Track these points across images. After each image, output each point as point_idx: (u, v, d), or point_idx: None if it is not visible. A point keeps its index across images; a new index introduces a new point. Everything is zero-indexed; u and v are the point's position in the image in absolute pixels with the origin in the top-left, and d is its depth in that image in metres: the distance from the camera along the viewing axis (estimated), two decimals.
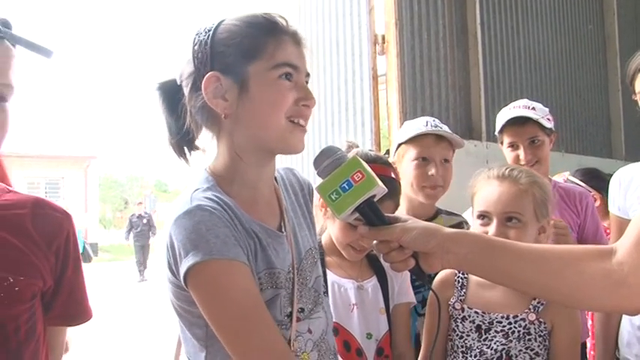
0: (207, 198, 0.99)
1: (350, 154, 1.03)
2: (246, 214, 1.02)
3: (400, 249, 0.98)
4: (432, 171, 1.77)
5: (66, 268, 1.12)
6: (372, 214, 0.98)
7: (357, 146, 1.68)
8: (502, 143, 2.10)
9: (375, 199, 0.99)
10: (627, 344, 1.75)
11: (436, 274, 1.52)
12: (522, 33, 4.63)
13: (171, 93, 1.09)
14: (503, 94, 4.29)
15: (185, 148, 1.10)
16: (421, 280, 1.03)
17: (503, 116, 2.09)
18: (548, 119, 2.05)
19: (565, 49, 5.26)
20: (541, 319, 1.39)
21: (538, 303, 1.40)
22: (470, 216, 1.90)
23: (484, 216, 1.47)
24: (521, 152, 2.01)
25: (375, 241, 1.00)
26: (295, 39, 1.05)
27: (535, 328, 1.39)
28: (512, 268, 0.97)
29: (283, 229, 1.09)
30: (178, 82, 1.08)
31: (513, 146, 2.04)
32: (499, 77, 4.33)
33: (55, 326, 1.15)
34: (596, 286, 0.92)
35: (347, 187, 0.96)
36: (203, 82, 1.02)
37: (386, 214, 1.01)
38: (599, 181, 2.88)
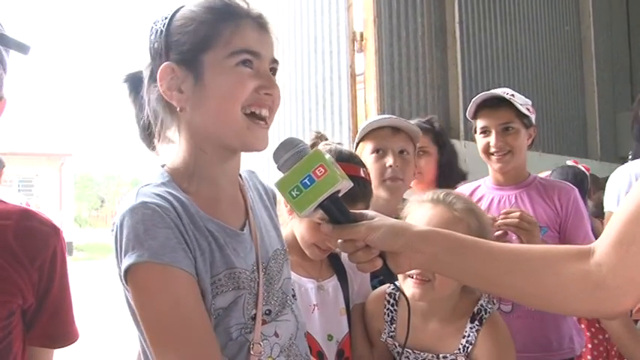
0: (155, 194, 0.93)
1: (321, 149, 0.97)
2: (203, 212, 0.96)
3: (367, 248, 0.92)
4: (390, 162, 1.72)
5: (51, 286, 1.04)
6: (337, 211, 0.93)
7: (326, 138, 1.62)
8: (475, 131, 1.93)
9: (340, 195, 0.93)
10: None
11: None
12: (500, 33, 4.65)
13: (138, 85, 1.04)
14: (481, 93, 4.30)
15: (155, 141, 1.04)
16: (389, 281, 0.99)
17: (476, 98, 1.92)
18: (528, 109, 1.88)
19: (542, 50, 5.30)
20: None
21: (467, 343, 1.32)
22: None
23: None
24: (492, 139, 1.84)
25: (339, 240, 0.94)
26: (259, 22, 0.99)
27: None
28: (484, 268, 0.92)
29: (246, 228, 1.03)
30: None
31: (485, 132, 1.88)
32: (477, 76, 4.34)
33: (37, 347, 1.08)
34: (573, 288, 0.88)
35: (308, 183, 0.90)
36: (158, 74, 0.97)
37: (352, 211, 0.95)
38: (575, 179, 2.85)
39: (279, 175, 0.96)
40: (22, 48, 0.93)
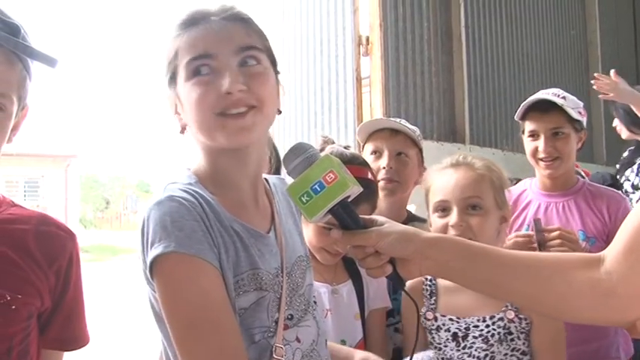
0: (182, 190, 0.94)
1: (326, 151, 0.97)
2: (228, 213, 0.97)
3: (376, 254, 0.93)
4: (383, 163, 1.71)
5: (66, 290, 1.07)
6: (347, 217, 0.93)
7: (333, 142, 1.63)
8: (523, 132, 1.86)
9: (350, 200, 0.93)
10: None
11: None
12: (506, 37, 4.64)
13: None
14: (487, 98, 4.29)
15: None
16: (399, 287, 0.99)
17: (526, 101, 1.84)
18: (580, 112, 1.80)
19: (548, 55, 5.29)
20: (521, 316, 1.31)
21: None
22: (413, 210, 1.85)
23: (443, 207, 1.38)
24: (540, 143, 1.77)
25: (349, 246, 0.95)
26: (212, 21, 0.96)
27: (516, 327, 1.31)
28: (495, 276, 0.92)
29: (272, 232, 1.04)
30: None
31: (534, 136, 1.81)
32: (483, 80, 4.33)
33: (49, 349, 1.10)
34: (583, 296, 0.88)
35: (319, 189, 0.90)
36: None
37: (362, 217, 0.95)
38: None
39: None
40: (50, 61, 0.95)
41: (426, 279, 1.41)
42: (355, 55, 3.47)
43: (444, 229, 1.37)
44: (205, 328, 0.87)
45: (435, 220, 1.40)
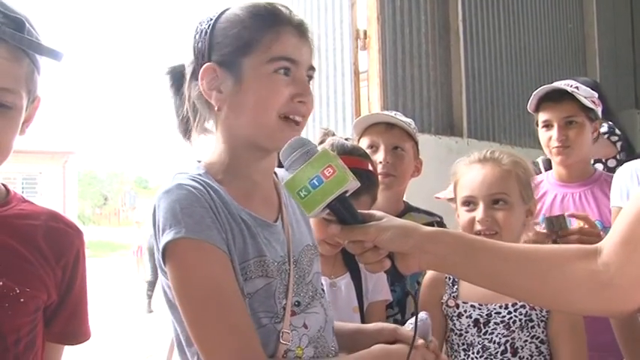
0: (190, 179, 0.98)
1: (326, 144, 0.98)
2: (236, 202, 1.00)
3: (375, 249, 0.93)
4: (380, 157, 1.72)
5: (72, 285, 1.10)
6: (345, 212, 0.93)
7: (333, 134, 1.63)
8: (537, 124, 1.86)
9: (348, 194, 0.94)
10: None
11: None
12: (503, 30, 4.64)
13: (179, 78, 1.09)
14: (485, 91, 4.30)
15: (191, 132, 1.10)
16: (398, 281, 1.00)
17: (538, 91, 1.84)
18: (593, 102, 1.79)
19: (545, 48, 5.29)
20: None
21: None
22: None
23: (469, 202, 1.42)
24: (554, 132, 1.78)
25: (347, 241, 0.95)
26: (299, 30, 1.03)
27: (537, 314, 1.33)
28: (494, 269, 0.93)
29: (279, 222, 1.06)
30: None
31: (548, 126, 1.81)
32: (480, 74, 4.33)
33: (53, 343, 1.13)
34: (581, 288, 0.88)
35: (317, 184, 0.90)
36: (200, 73, 1.01)
37: (360, 212, 0.96)
38: None
39: None
40: (55, 55, 0.96)
41: None
42: (353, 49, 3.47)
43: (471, 222, 1.42)
44: (218, 308, 0.90)
45: (463, 214, 1.44)
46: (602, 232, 1.66)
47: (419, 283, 1.65)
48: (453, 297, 1.41)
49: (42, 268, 1.04)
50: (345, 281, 1.49)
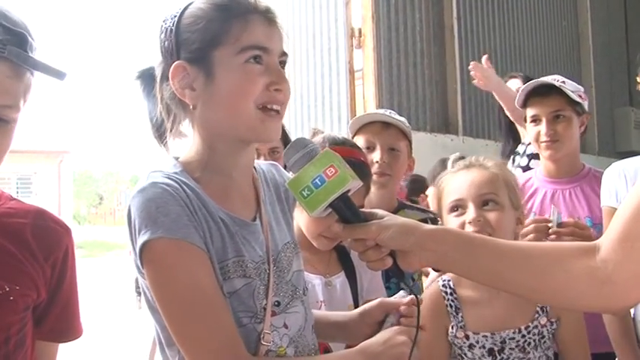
0: (165, 177, 0.95)
1: (316, 139, 0.99)
2: (213, 201, 0.98)
3: (377, 247, 0.94)
4: (376, 157, 1.72)
5: (62, 283, 1.09)
6: (347, 211, 0.94)
7: (322, 132, 1.64)
8: (526, 120, 1.87)
9: (350, 194, 0.94)
10: None
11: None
12: (498, 28, 4.66)
13: (150, 82, 1.06)
14: (480, 89, 4.30)
15: (166, 137, 1.07)
16: (399, 279, 1.00)
17: (525, 86, 1.85)
18: (580, 96, 1.81)
19: (540, 46, 5.32)
20: (552, 319, 1.32)
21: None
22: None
23: (457, 206, 1.36)
24: (542, 127, 1.78)
25: (349, 240, 0.96)
26: (267, 17, 1.00)
27: (547, 330, 1.32)
28: (494, 266, 0.93)
29: (257, 220, 1.05)
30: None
31: (535, 121, 1.81)
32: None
33: (44, 341, 1.12)
34: (580, 285, 0.89)
35: (319, 183, 0.91)
36: (170, 72, 0.98)
37: (362, 210, 0.97)
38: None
39: None
40: (59, 75, 0.95)
41: (446, 293, 1.37)
42: (348, 48, 3.48)
43: (461, 227, 1.34)
44: (200, 307, 0.89)
45: (451, 221, 1.37)
46: (591, 229, 1.68)
47: (414, 280, 1.66)
48: (461, 327, 1.34)
49: (31, 266, 1.03)
50: (340, 280, 1.49)
